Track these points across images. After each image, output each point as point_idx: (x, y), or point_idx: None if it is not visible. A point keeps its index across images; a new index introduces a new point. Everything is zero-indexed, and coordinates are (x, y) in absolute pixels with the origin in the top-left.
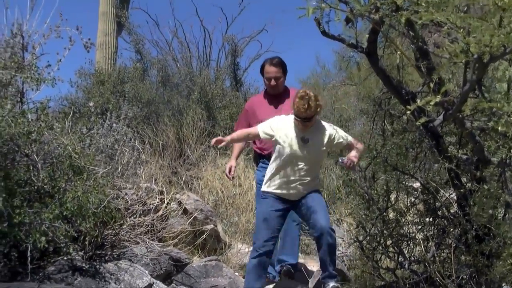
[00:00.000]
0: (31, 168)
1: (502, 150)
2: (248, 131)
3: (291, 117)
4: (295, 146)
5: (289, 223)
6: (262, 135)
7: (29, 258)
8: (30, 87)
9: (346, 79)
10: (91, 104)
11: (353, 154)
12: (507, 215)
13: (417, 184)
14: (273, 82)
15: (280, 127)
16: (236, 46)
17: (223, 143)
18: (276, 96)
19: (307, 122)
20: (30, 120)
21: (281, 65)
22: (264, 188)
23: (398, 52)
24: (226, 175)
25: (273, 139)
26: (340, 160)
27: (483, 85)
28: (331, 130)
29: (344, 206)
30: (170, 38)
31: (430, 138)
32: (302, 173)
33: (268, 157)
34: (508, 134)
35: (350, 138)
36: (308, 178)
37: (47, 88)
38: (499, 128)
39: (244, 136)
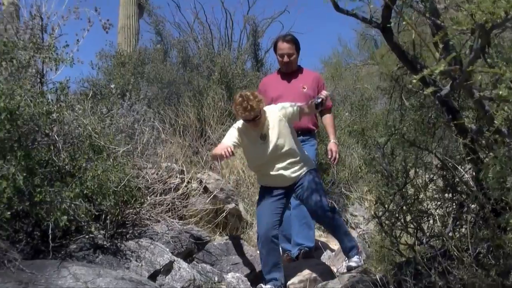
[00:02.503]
0: (52, 148)
1: (501, 113)
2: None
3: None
4: (257, 145)
5: (302, 208)
6: (233, 147)
7: (50, 236)
8: (50, 68)
9: (369, 59)
10: (112, 86)
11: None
12: None
13: (436, 160)
14: (286, 59)
15: (241, 134)
16: (257, 27)
17: (230, 148)
18: (289, 74)
19: (256, 121)
20: (50, 100)
21: (294, 42)
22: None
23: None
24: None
25: (241, 145)
26: (318, 99)
27: (489, 54)
28: (279, 112)
29: (366, 185)
30: (191, 20)
31: (446, 112)
32: (278, 163)
33: None
34: (510, 100)
35: (297, 105)
36: (286, 165)
37: (67, 70)
38: (500, 92)
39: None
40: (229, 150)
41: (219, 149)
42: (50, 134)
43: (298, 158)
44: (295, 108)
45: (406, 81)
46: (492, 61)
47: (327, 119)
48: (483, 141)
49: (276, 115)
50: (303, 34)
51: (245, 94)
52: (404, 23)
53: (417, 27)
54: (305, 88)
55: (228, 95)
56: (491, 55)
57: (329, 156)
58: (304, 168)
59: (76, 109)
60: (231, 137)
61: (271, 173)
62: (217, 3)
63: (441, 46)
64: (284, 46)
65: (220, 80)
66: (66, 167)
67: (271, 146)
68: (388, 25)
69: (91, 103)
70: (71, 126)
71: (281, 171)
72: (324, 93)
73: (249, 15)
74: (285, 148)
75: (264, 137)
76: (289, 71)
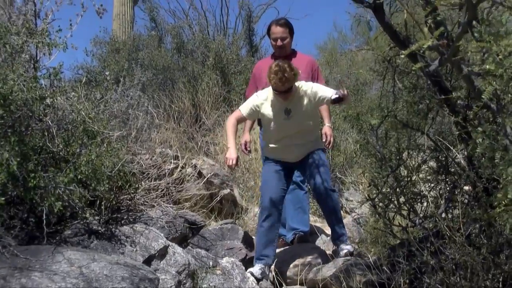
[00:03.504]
0: (46, 134)
1: (489, 88)
2: (235, 119)
3: (270, 90)
4: (280, 119)
5: (297, 193)
6: (248, 117)
7: (44, 222)
8: (43, 53)
9: (364, 45)
10: (107, 73)
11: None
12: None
13: (429, 142)
14: (279, 43)
15: (263, 103)
16: (251, 12)
17: (235, 161)
18: (282, 58)
19: (287, 94)
20: (43, 85)
21: (288, 26)
22: (264, 153)
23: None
24: (242, 151)
25: (260, 115)
26: (336, 95)
27: (477, 28)
28: (310, 92)
29: (361, 169)
30: (186, 7)
31: (438, 93)
32: (294, 140)
33: None
34: (496, 74)
35: (331, 92)
36: (301, 141)
37: (61, 56)
38: (488, 66)
39: (235, 125)
40: (233, 163)
41: (226, 158)
42: (44, 119)
43: (313, 137)
44: (328, 94)
45: (399, 62)
46: (480, 36)
47: None
48: (472, 116)
49: (307, 93)
50: (299, 20)
51: (282, 65)
52: (396, 1)
53: (409, 8)
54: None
55: (223, 81)
56: (479, 30)
57: (324, 140)
58: (315, 146)
59: (71, 96)
60: (248, 108)
61: (285, 146)
62: None
63: (430, 22)
64: (277, 30)
65: (214, 66)
66: (60, 152)
67: (294, 122)
68: (379, 3)
69: (85, 89)
70: (65, 112)
71: (295, 147)
72: (344, 91)
73: (244, 1)
74: (307, 128)
75: (289, 112)
76: (283, 55)
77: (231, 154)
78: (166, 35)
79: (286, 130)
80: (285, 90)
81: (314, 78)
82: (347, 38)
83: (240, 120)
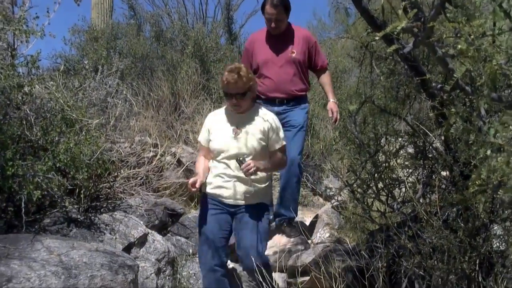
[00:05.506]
0: (24, 123)
1: (461, 68)
2: (200, 155)
3: (223, 109)
4: (226, 138)
5: (289, 178)
6: (204, 143)
7: (23, 210)
8: (21, 41)
9: (343, 33)
10: (85, 61)
11: (261, 162)
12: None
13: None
14: (273, 24)
15: (212, 122)
16: (230, 0)
17: (198, 183)
18: (278, 36)
19: (239, 100)
20: (21, 73)
21: (283, 4)
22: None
23: None
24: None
25: (210, 137)
26: (242, 159)
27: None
28: (269, 123)
29: (339, 156)
30: None
31: (415, 77)
32: (236, 172)
33: (266, 100)
34: (469, 54)
35: (283, 144)
36: (245, 180)
37: (40, 45)
38: (460, 46)
39: (202, 162)
40: (195, 189)
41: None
42: (22, 108)
43: (262, 185)
44: (280, 144)
45: (376, 48)
46: (452, 17)
47: (324, 78)
48: (446, 97)
49: (268, 122)
50: None
51: (240, 66)
52: None
53: None
54: (294, 52)
55: (202, 69)
56: (452, 11)
57: (330, 116)
58: (259, 198)
59: (50, 84)
60: (202, 134)
61: (226, 174)
62: None
63: (405, 3)
64: (272, 11)
65: (193, 54)
66: (39, 141)
67: (238, 142)
68: None
69: (64, 78)
70: (43, 100)
71: (238, 182)
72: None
73: None
74: (250, 154)
75: (238, 132)
76: (278, 33)
77: (195, 177)
78: (145, 24)
79: (231, 152)
80: (236, 93)
81: (312, 55)
82: (327, 26)
83: (206, 153)
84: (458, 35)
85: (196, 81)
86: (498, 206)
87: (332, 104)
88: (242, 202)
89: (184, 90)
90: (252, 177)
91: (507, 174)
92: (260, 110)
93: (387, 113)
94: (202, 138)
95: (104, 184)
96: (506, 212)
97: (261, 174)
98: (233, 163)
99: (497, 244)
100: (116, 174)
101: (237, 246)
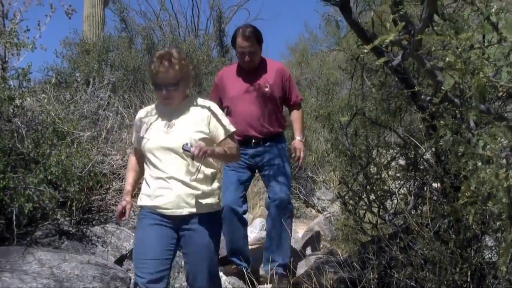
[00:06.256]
0: (16, 135)
1: (450, 80)
2: (133, 156)
3: (154, 105)
4: (158, 134)
5: (280, 219)
6: (136, 145)
7: (14, 222)
8: (11, 54)
9: (334, 45)
10: (77, 74)
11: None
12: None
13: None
14: (246, 58)
15: (142, 119)
16: (222, 13)
17: (128, 213)
18: (251, 70)
19: (172, 91)
20: (12, 86)
21: (255, 37)
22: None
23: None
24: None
25: (140, 136)
26: (186, 144)
27: (437, 23)
28: (209, 111)
29: (331, 167)
30: (158, 9)
31: (405, 89)
32: (178, 166)
33: (239, 142)
34: (456, 67)
35: (231, 130)
36: (185, 180)
37: (31, 57)
38: (447, 59)
39: (134, 165)
40: (125, 217)
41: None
42: (13, 120)
43: (205, 185)
44: (228, 131)
45: (367, 60)
46: (441, 30)
47: (295, 114)
48: (434, 109)
49: (205, 111)
50: (270, 21)
51: (172, 52)
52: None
53: (377, 6)
54: (267, 87)
55: (194, 82)
56: (440, 24)
57: (293, 155)
58: (206, 204)
59: (41, 97)
60: (134, 135)
61: (161, 178)
62: None
63: (394, 17)
64: (244, 44)
65: None
66: (30, 153)
67: (171, 138)
68: (346, 1)
69: (55, 90)
70: (35, 113)
71: (176, 183)
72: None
73: (215, 2)
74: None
75: (171, 125)
76: (251, 67)
77: (121, 203)
78: (136, 36)
79: (164, 150)
80: (167, 84)
81: (285, 88)
82: (318, 38)
83: (138, 157)
84: (446, 47)
85: (188, 94)
86: (488, 218)
87: (297, 142)
88: (187, 211)
89: None
90: (194, 177)
91: (496, 186)
92: (197, 99)
93: (378, 125)
94: (134, 140)
95: (96, 197)
96: (497, 223)
97: (206, 171)
98: (169, 162)
99: (489, 255)
100: (108, 186)
101: (186, 275)
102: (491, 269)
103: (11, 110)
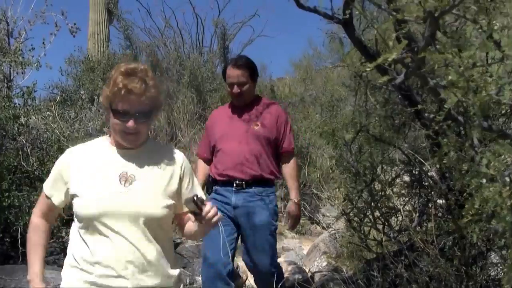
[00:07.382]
0: (21, 153)
1: (452, 98)
2: (37, 216)
3: (103, 141)
4: (108, 192)
5: (260, 267)
6: (58, 202)
7: (19, 241)
8: (17, 72)
9: (339, 61)
10: (82, 92)
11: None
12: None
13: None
14: (235, 89)
15: (78, 164)
16: (226, 30)
17: None
18: (241, 107)
19: (140, 124)
20: (17, 104)
21: (248, 67)
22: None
23: (375, 26)
24: None
25: (67, 190)
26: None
27: (439, 41)
28: (181, 164)
29: (336, 184)
30: (162, 26)
31: (409, 106)
32: (126, 246)
33: (223, 183)
34: (458, 85)
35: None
36: (144, 253)
37: (36, 76)
38: (450, 77)
39: (37, 230)
40: None
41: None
42: (18, 138)
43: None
44: (196, 191)
45: (371, 77)
46: (443, 48)
47: (288, 167)
48: (437, 127)
49: (175, 166)
50: (274, 38)
51: (144, 68)
52: (363, 16)
53: (379, 24)
54: (258, 125)
55: (198, 99)
56: (443, 42)
57: (288, 221)
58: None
59: (46, 115)
60: (50, 180)
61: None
62: (188, 9)
63: (397, 35)
64: (234, 73)
65: (189, 84)
66: (35, 171)
67: (139, 198)
68: (349, 18)
69: (60, 108)
70: (40, 131)
71: (131, 248)
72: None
73: (219, 19)
74: (148, 218)
75: (130, 179)
76: (242, 104)
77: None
78: (141, 54)
79: (115, 214)
80: (138, 112)
81: (279, 130)
82: (322, 55)
83: (47, 211)
84: (449, 66)
85: (192, 111)
86: (492, 235)
87: (293, 206)
88: None
89: (181, 120)
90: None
91: (500, 204)
92: (158, 143)
93: (382, 142)
94: (52, 190)
95: None
96: (502, 240)
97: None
98: (124, 232)
99: (494, 272)
100: None
101: None
102: (497, 286)
103: (16, 129)
